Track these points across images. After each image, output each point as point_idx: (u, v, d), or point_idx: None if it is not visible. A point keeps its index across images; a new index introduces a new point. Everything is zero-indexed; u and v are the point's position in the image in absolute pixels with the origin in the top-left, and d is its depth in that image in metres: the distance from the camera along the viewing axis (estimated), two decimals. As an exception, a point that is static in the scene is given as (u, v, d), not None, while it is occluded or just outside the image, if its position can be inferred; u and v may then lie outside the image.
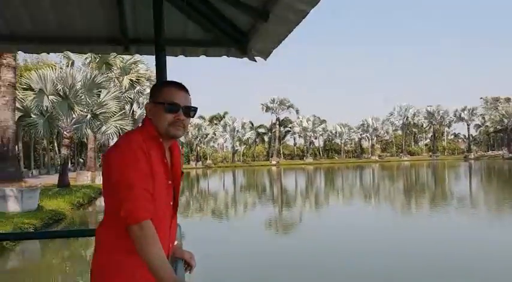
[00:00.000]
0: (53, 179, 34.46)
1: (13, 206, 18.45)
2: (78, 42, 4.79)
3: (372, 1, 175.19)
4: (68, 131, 29.26)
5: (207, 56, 5.02)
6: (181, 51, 4.96)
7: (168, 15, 4.00)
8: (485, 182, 43.12)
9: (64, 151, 30.13)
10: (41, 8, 4.18)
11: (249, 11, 4.03)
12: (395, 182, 44.80)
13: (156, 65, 3.78)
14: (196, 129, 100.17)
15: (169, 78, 3.70)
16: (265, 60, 4.74)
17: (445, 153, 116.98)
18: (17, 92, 26.41)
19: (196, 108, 2.36)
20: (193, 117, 2.37)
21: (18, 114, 27.61)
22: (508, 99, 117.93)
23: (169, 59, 4.05)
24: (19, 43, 4.71)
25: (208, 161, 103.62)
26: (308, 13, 3.12)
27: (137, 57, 37.68)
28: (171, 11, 4.21)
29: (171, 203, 2.33)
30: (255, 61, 4.87)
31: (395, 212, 22.57)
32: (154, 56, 3.90)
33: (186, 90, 2.36)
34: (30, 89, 28.36)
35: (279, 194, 35.26)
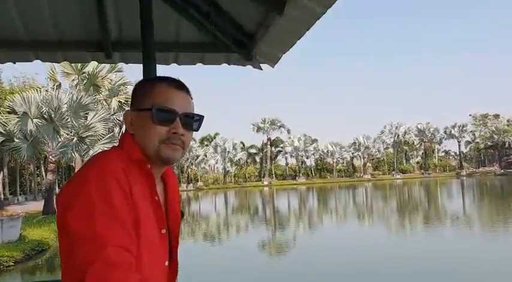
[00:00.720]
0: (39, 205, 33.33)
1: (-8, 237, 17.41)
2: (49, 48, 3.97)
3: (363, 17, 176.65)
4: (53, 155, 28.27)
5: (204, 64, 4.25)
6: (174, 59, 4.18)
7: (158, 13, 3.24)
8: (482, 200, 42.49)
9: (49, 176, 29.12)
10: (4, 8, 3.40)
11: (259, 1, 3.24)
12: (391, 202, 44.10)
13: (144, 75, 3.00)
14: (188, 151, 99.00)
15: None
16: (273, 67, 3.94)
17: (437, 171, 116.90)
18: (-2, 115, 25.47)
19: (202, 116, 1.59)
20: (197, 130, 1.59)
21: (0, 138, 26.57)
22: (496, 116, 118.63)
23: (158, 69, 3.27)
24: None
25: (199, 183, 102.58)
26: (335, 1, 2.44)
27: (126, 78, 37.14)
28: (161, 8, 3.43)
29: (166, 263, 1.55)
30: (261, 69, 4.08)
31: (394, 235, 21.75)
32: (141, 65, 3.16)
33: (187, 91, 1.59)
34: (14, 112, 27.38)
35: (272, 217, 34.39)
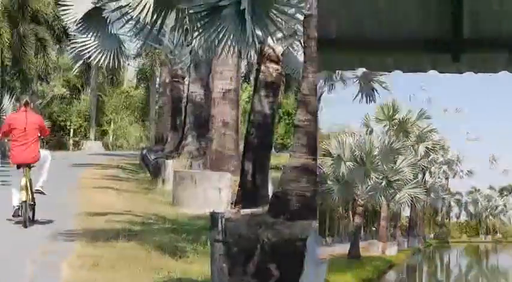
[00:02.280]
0: (344, 248, 34.03)
1: None
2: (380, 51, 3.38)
3: None
4: (362, 198, 28.77)
5: None
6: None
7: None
8: None
9: (357, 220, 29.78)
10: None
11: None
12: None
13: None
14: (487, 200, 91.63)
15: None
16: None
17: None
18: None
19: None
20: None
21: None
22: None
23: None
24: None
25: (498, 235, 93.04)
26: None
27: (433, 125, 37.47)
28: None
29: None
30: None
31: None
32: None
33: None
34: (329, 155, 28.94)
35: None
